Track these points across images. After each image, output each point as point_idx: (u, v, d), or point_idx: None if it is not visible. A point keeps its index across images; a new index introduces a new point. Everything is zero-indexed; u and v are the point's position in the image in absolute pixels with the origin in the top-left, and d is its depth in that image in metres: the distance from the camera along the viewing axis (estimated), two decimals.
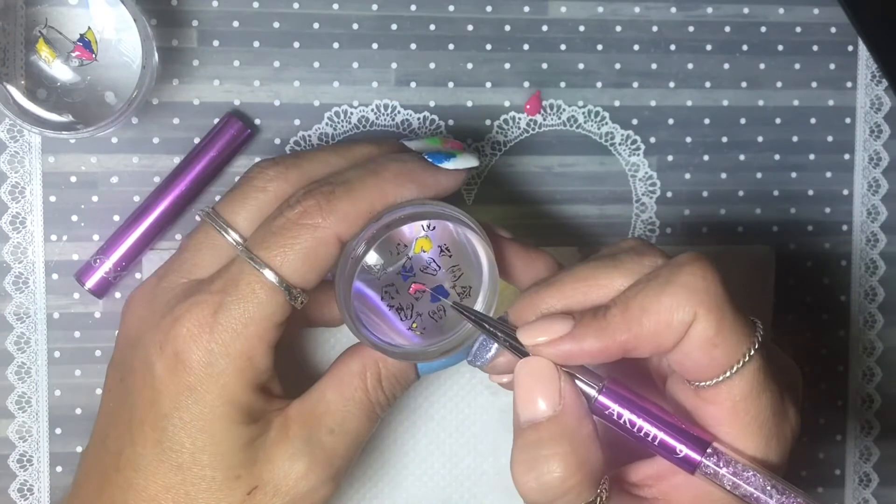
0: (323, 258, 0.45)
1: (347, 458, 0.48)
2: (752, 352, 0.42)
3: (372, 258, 0.45)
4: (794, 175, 0.58)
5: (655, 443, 0.43)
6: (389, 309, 0.46)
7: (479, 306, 0.46)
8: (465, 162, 0.48)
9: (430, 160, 0.48)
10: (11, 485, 0.54)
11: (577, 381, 0.43)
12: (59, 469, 0.54)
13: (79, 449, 0.54)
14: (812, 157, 0.58)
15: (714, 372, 0.42)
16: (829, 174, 0.58)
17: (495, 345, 0.45)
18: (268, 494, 0.46)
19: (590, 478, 0.42)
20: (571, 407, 0.43)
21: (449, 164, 0.48)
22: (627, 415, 0.43)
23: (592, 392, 0.43)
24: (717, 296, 0.41)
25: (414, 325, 0.46)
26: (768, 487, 0.42)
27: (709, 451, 0.43)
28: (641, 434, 0.43)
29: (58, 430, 0.54)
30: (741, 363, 0.42)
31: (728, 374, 0.42)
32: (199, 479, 0.45)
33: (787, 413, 0.44)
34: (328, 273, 0.46)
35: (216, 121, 0.53)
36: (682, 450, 0.43)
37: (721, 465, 0.42)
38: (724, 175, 0.58)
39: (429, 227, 0.46)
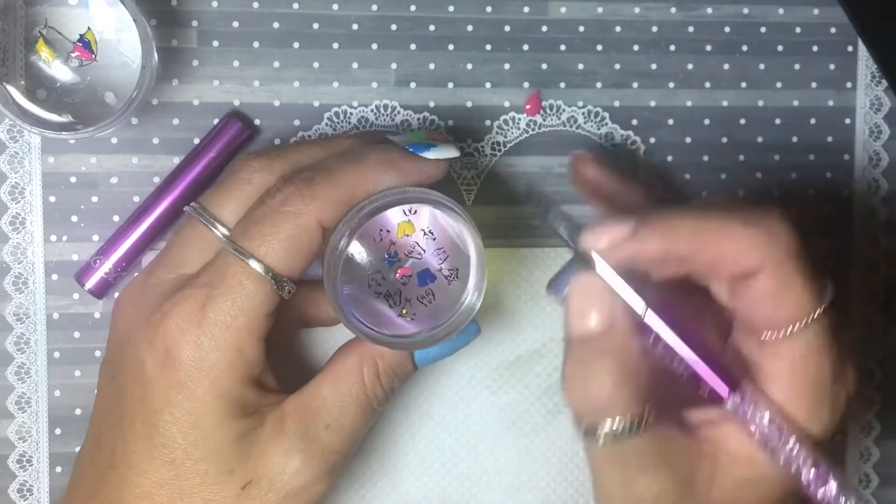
0: (307, 245, 0.45)
1: (344, 454, 0.47)
2: (817, 313, 0.42)
3: (356, 247, 0.45)
4: (793, 175, 0.58)
5: (687, 372, 0.44)
6: (377, 297, 0.46)
7: (470, 286, 0.47)
8: (446, 152, 0.49)
9: (410, 150, 0.48)
10: (11, 485, 0.54)
11: (630, 292, 0.43)
12: (58, 469, 0.54)
13: (78, 449, 0.54)
14: (812, 157, 0.58)
15: (781, 323, 0.43)
16: (828, 174, 0.58)
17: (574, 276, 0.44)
18: (262, 489, 0.46)
19: (637, 394, 0.43)
20: (621, 323, 0.43)
21: (429, 154, 0.48)
22: (669, 337, 0.43)
23: (639, 310, 0.43)
24: (791, 249, 0.42)
25: (404, 311, 0.46)
26: (786, 437, 0.43)
27: (736, 393, 0.43)
28: (675, 363, 0.44)
29: (57, 431, 0.54)
30: (804, 322, 0.42)
31: (791, 330, 0.42)
32: (193, 474, 0.45)
33: (846, 375, 0.44)
34: (314, 260, 0.46)
35: (216, 121, 0.53)
36: (711, 383, 0.43)
37: (745, 406, 0.43)
38: (723, 175, 0.58)
39: (410, 211, 0.46)
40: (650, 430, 0.43)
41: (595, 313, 0.43)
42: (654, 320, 0.44)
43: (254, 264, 0.45)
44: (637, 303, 0.43)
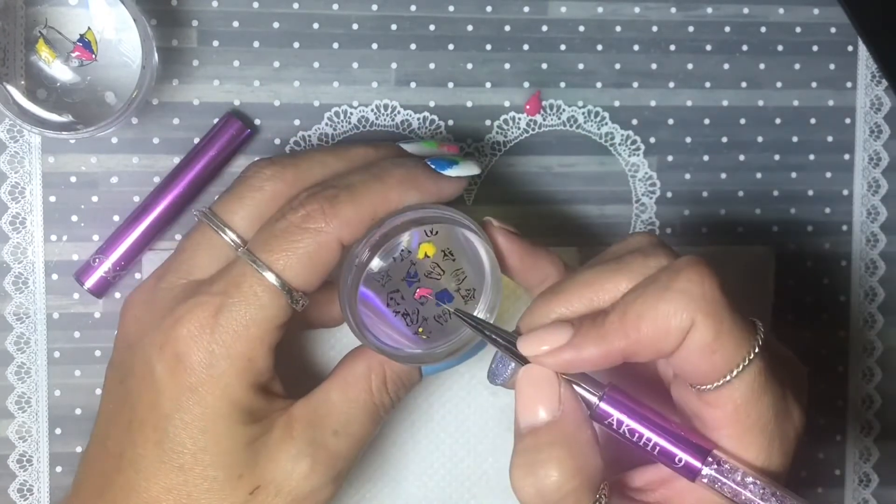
0: (325, 262, 0.45)
1: (350, 460, 0.48)
2: (752, 355, 0.42)
3: (377, 264, 0.45)
4: (793, 175, 0.58)
5: (656, 451, 0.43)
6: (395, 315, 0.46)
7: (482, 308, 0.47)
8: (467, 170, 0.49)
9: (432, 166, 0.48)
10: (11, 485, 0.54)
11: (579, 389, 0.43)
12: (58, 469, 0.54)
13: (79, 449, 0.54)
14: (812, 157, 0.58)
15: (714, 376, 0.42)
16: (829, 174, 0.58)
17: (513, 363, 0.44)
18: (270, 494, 0.46)
19: (587, 483, 0.42)
20: (570, 413, 0.43)
21: (451, 172, 0.48)
22: (628, 422, 0.43)
23: (593, 399, 0.43)
24: (714, 301, 0.41)
25: (420, 330, 0.46)
26: (768, 495, 0.42)
27: (709, 458, 0.42)
28: (642, 442, 0.43)
29: (58, 431, 0.54)
30: (741, 367, 0.42)
31: (728, 377, 0.42)
32: (202, 480, 0.45)
33: (790, 413, 0.44)
34: (329, 277, 0.46)
35: (216, 121, 0.53)
36: (682, 458, 0.43)
37: (721, 473, 0.42)
38: (723, 175, 0.58)
39: (432, 231, 0.46)
40: None
41: (542, 405, 0.43)
42: (610, 407, 0.43)
43: (270, 277, 0.45)
44: (590, 395, 0.43)
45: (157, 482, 0.45)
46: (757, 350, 0.42)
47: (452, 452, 0.56)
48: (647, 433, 0.43)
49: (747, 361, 0.42)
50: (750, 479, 0.42)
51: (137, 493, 0.45)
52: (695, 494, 0.44)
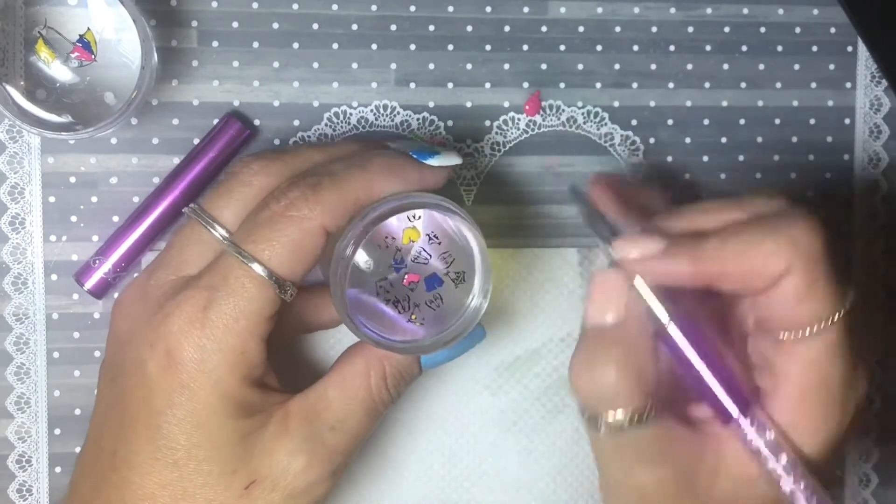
0: (310, 250, 0.45)
1: (347, 456, 0.48)
2: (838, 317, 0.43)
3: (362, 255, 0.45)
4: (793, 176, 0.58)
5: (701, 385, 0.44)
6: (386, 303, 0.46)
7: (475, 291, 0.47)
8: (449, 159, 0.49)
9: (414, 156, 0.48)
10: (11, 485, 0.54)
11: (653, 303, 0.44)
12: (58, 470, 0.54)
13: (78, 449, 0.54)
14: (811, 157, 0.58)
15: (797, 326, 0.43)
16: (828, 175, 0.58)
17: (600, 257, 0.46)
18: (266, 489, 0.46)
19: (640, 388, 0.44)
20: (635, 321, 0.44)
21: (433, 161, 0.48)
22: (686, 350, 0.44)
23: (663, 319, 0.44)
24: (817, 255, 0.43)
25: (413, 317, 0.46)
26: (788, 469, 0.43)
27: (746, 414, 0.44)
28: (692, 374, 0.44)
29: (57, 431, 0.54)
30: (823, 324, 0.43)
31: (808, 332, 0.43)
32: (196, 475, 0.45)
33: (855, 384, 0.44)
34: (315, 265, 0.46)
35: (215, 121, 0.53)
36: (721, 403, 0.44)
37: (754, 430, 0.44)
38: (723, 176, 0.58)
39: (414, 216, 0.46)
40: (652, 424, 0.44)
41: (613, 308, 0.44)
42: (675, 332, 0.44)
43: (256, 267, 0.45)
44: (662, 314, 0.44)
45: (152, 479, 0.45)
46: (843, 313, 0.43)
47: (452, 453, 0.56)
48: (699, 366, 0.44)
49: (831, 321, 0.43)
50: (775, 449, 0.43)
51: (132, 491, 0.45)
52: (739, 438, 0.45)
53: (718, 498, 0.45)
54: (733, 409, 0.44)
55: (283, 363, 0.49)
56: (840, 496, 0.60)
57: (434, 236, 0.46)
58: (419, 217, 0.46)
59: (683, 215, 0.45)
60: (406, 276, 0.46)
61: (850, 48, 0.58)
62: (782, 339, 0.44)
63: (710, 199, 0.46)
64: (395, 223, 0.46)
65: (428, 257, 0.46)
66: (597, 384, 0.44)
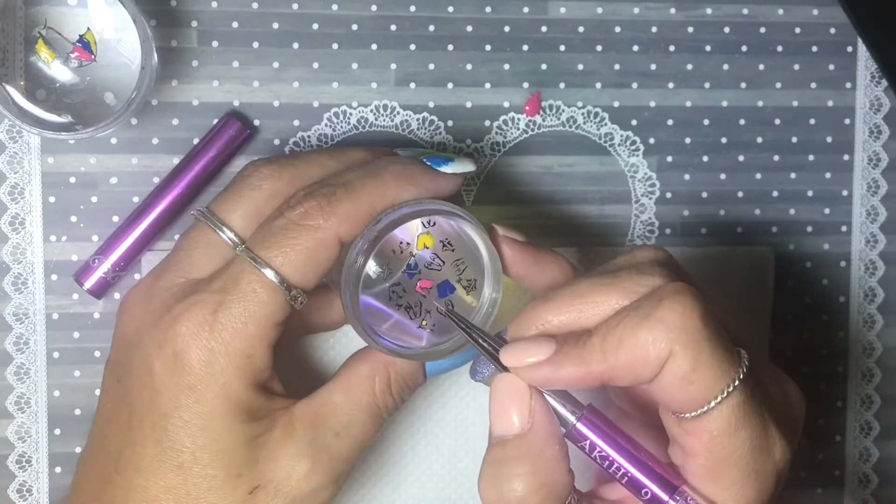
0: (324, 259, 0.45)
1: (351, 462, 0.48)
2: (732, 388, 0.41)
3: (376, 261, 0.45)
4: (793, 176, 0.58)
5: (625, 480, 0.43)
6: (398, 309, 0.46)
7: (485, 299, 0.47)
8: (463, 166, 0.49)
9: (428, 163, 0.48)
10: (11, 485, 0.54)
11: (557, 405, 0.44)
12: (58, 470, 0.54)
13: (78, 449, 0.54)
14: (811, 157, 0.58)
15: (691, 406, 0.42)
16: (828, 175, 0.58)
17: (492, 366, 0.45)
18: (269, 494, 0.46)
19: (551, 498, 0.43)
20: (540, 428, 0.43)
21: (447, 168, 0.48)
22: (602, 447, 0.43)
23: (570, 419, 0.44)
24: (694, 332, 0.41)
25: (424, 323, 0.46)
26: None
27: (675, 496, 0.43)
28: (612, 469, 0.43)
29: (57, 431, 0.54)
30: (718, 399, 0.41)
31: (705, 408, 0.42)
32: (201, 479, 0.45)
33: (771, 448, 0.43)
34: (328, 274, 0.46)
35: (215, 121, 0.53)
36: (650, 490, 0.43)
37: None
38: (723, 176, 0.58)
39: (429, 223, 0.46)
40: None
41: (515, 415, 0.43)
42: (586, 430, 0.44)
43: (269, 273, 0.45)
44: (568, 414, 0.44)
45: (157, 481, 0.45)
46: (737, 383, 0.42)
47: (452, 453, 0.56)
48: (619, 460, 0.43)
49: (725, 394, 0.41)
50: None
51: (136, 493, 0.45)
52: None
53: None
54: (663, 495, 0.43)
55: (285, 365, 0.49)
56: (839, 497, 0.60)
57: (448, 243, 0.46)
58: (433, 224, 0.46)
59: (562, 301, 0.44)
60: (419, 283, 0.46)
61: (849, 48, 0.58)
62: (683, 418, 0.42)
63: (583, 278, 0.44)
64: (410, 229, 0.46)
65: (441, 264, 0.46)
66: (505, 499, 0.43)
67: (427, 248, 0.46)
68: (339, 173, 0.47)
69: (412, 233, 0.46)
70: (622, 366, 0.42)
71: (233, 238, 0.47)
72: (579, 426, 0.43)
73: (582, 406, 0.44)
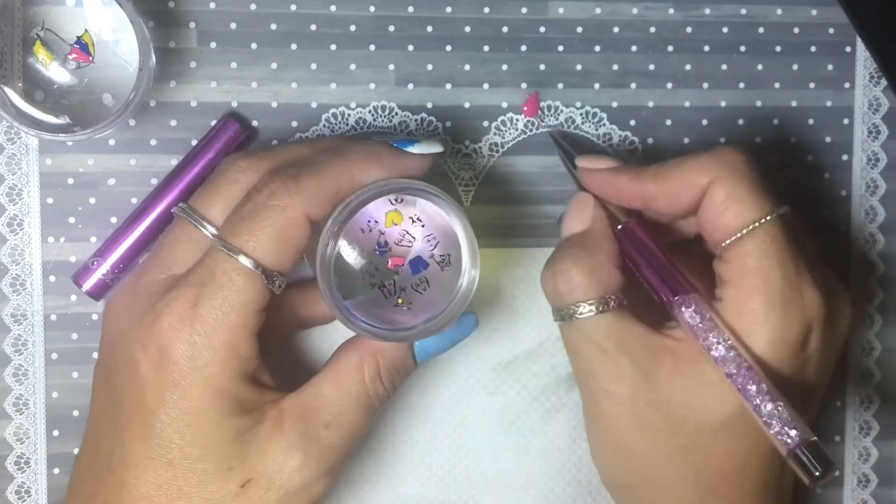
0: (295, 238, 0.45)
1: (343, 453, 0.48)
2: (764, 220, 0.47)
3: (347, 242, 0.45)
4: (792, 176, 0.58)
5: (647, 278, 0.49)
6: (372, 289, 0.46)
7: (464, 270, 0.47)
8: (430, 147, 0.49)
9: (395, 145, 0.49)
10: (9, 487, 0.54)
11: (611, 209, 0.51)
12: (56, 471, 0.54)
13: (76, 451, 0.54)
14: (810, 157, 0.58)
15: (725, 233, 0.47)
16: (827, 175, 0.58)
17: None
18: (261, 488, 0.46)
19: (597, 281, 0.48)
20: (597, 227, 0.50)
21: (414, 149, 0.49)
22: (634, 250, 0.50)
23: (623, 219, 0.51)
24: (736, 167, 0.47)
25: (400, 301, 0.46)
26: (730, 351, 0.46)
27: (685, 297, 0.47)
28: (639, 269, 0.49)
29: (55, 432, 0.54)
30: (751, 227, 0.47)
31: (738, 235, 0.47)
32: (191, 473, 0.45)
33: (801, 292, 0.47)
34: (302, 254, 0.46)
35: (213, 122, 0.53)
36: (662, 288, 0.48)
37: (694, 313, 0.47)
38: None
39: (396, 200, 0.46)
40: (612, 315, 0.48)
41: (580, 219, 0.51)
42: (627, 232, 0.50)
43: (243, 260, 0.45)
44: (618, 216, 0.51)
45: (147, 478, 0.45)
46: (769, 218, 0.47)
47: (451, 453, 0.56)
48: (643, 262, 0.49)
49: (757, 224, 0.47)
50: (715, 333, 0.46)
51: (129, 491, 0.46)
52: (688, 346, 0.48)
53: (678, 399, 0.47)
54: (669, 293, 0.48)
55: (279, 362, 0.49)
56: (839, 497, 0.60)
57: (417, 219, 0.47)
58: (401, 200, 0.46)
59: (644, 178, 0.50)
60: (390, 260, 0.46)
61: (848, 48, 0.58)
62: (723, 248, 0.47)
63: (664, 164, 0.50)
64: (378, 207, 0.46)
65: (412, 239, 0.46)
66: (556, 277, 0.49)
67: (396, 224, 0.46)
68: (306, 156, 0.48)
69: (380, 211, 0.46)
70: (669, 188, 0.48)
71: (213, 232, 0.47)
72: (619, 229, 0.50)
73: (629, 219, 0.50)
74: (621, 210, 0.51)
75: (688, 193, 0.48)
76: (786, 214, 0.48)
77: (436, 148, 0.50)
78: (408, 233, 0.46)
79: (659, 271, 0.49)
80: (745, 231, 0.47)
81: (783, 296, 0.46)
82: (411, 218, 0.46)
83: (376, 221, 0.46)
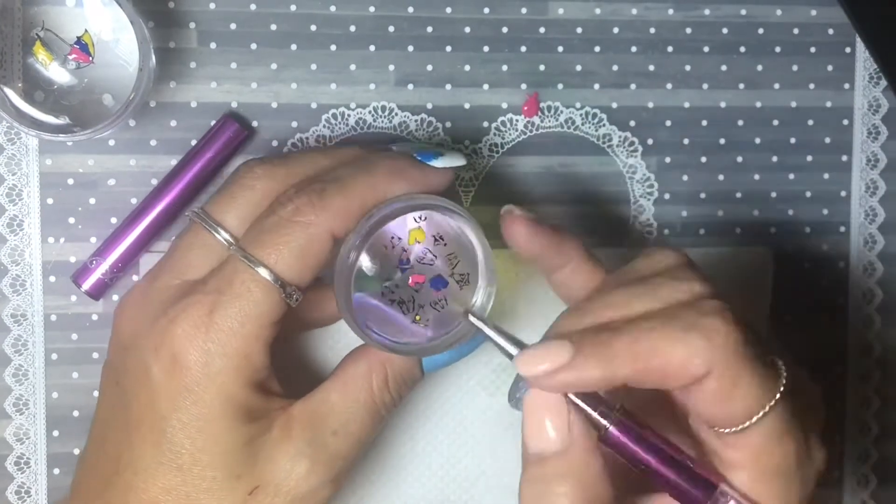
0: (317, 255, 0.45)
1: (350, 460, 0.48)
2: (774, 402, 0.41)
3: (367, 258, 0.45)
4: (791, 176, 0.58)
5: (663, 482, 0.42)
6: (391, 304, 0.46)
7: (479, 294, 0.47)
8: (454, 160, 0.49)
9: (419, 158, 0.48)
10: (9, 487, 0.54)
11: (589, 410, 0.42)
12: (56, 471, 0.54)
13: (76, 451, 0.54)
14: (810, 158, 0.58)
15: (732, 422, 0.41)
16: (826, 175, 0.58)
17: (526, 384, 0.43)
18: (269, 495, 0.46)
19: None
20: (580, 442, 0.41)
21: (437, 163, 0.48)
22: (636, 450, 0.42)
23: (603, 423, 0.42)
24: (736, 354, 0.40)
25: (417, 318, 0.46)
26: None
27: (717, 493, 0.42)
28: (650, 471, 0.42)
29: (55, 433, 0.54)
30: (761, 415, 0.41)
31: (747, 424, 0.41)
32: (200, 480, 0.45)
33: (812, 455, 0.43)
34: (322, 270, 0.46)
35: (213, 122, 0.53)
36: (690, 491, 0.42)
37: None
38: (721, 176, 0.58)
39: (420, 217, 0.46)
40: None
41: (551, 430, 0.41)
42: (620, 434, 0.42)
43: (262, 272, 0.45)
44: (598, 422, 0.42)
45: (156, 483, 0.45)
46: (778, 397, 0.41)
47: (451, 453, 0.56)
48: (655, 463, 0.42)
49: (767, 409, 0.41)
50: None
51: (136, 495, 0.45)
52: None
53: None
54: (699, 497, 0.42)
55: (284, 364, 0.49)
56: (839, 497, 0.60)
57: (439, 237, 0.46)
58: (424, 218, 0.46)
59: (595, 312, 0.42)
60: (411, 277, 0.46)
61: (848, 49, 0.58)
62: (723, 433, 0.42)
63: (613, 286, 0.43)
64: (401, 224, 0.46)
65: (433, 258, 0.46)
66: None
67: (419, 242, 0.46)
68: (330, 170, 0.47)
69: (403, 228, 0.46)
70: (653, 373, 0.40)
71: (227, 238, 0.47)
72: (612, 430, 0.42)
73: (612, 407, 0.42)
74: (594, 395, 0.42)
75: (677, 381, 0.40)
76: (788, 383, 0.42)
77: (459, 161, 0.49)
78: (430, 251, 0.46)
79: (666, 474, 0.42)
80: (754, 419, 0.41)
81: (800, 471, 0.42)
82: (434, 236, 0.46)
83: (399, 238, 0.46)
